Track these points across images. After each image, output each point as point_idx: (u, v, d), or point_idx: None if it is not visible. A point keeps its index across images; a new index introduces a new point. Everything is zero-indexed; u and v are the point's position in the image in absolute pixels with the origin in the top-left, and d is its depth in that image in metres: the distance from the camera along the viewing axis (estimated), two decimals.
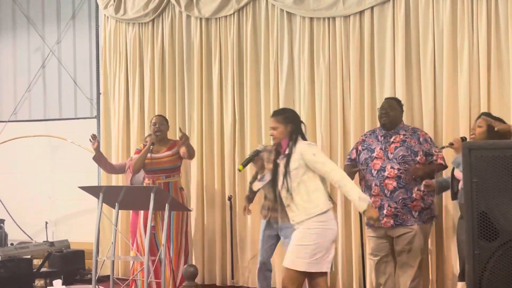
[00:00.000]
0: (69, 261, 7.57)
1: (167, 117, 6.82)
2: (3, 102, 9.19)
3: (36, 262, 7.46)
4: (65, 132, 8.61)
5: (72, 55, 8.74)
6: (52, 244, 7.32)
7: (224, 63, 7.28)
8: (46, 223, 7.86)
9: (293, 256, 4.56)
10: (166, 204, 5.34)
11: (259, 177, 5.42)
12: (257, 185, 5.48)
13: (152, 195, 5.24)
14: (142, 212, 6.14)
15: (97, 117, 8.25)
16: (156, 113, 7.46)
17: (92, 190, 5.42)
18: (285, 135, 4.71)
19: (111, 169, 7.08)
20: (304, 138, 4.76)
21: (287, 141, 4.69)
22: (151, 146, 6.22)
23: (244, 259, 7.09)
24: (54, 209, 8.69)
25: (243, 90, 7.20)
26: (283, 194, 4.62)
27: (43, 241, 7.38)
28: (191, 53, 7.45)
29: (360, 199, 4.47)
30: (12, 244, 7.71)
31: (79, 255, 7.71)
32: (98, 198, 5.43)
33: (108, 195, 5.45)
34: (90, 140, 6.80)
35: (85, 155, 8.34)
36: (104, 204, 5.50)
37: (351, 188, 4.52)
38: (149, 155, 6.23)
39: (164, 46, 7.59)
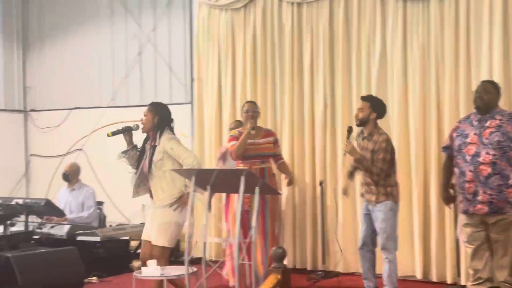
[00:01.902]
0: None
1: (258, 103, 6.89)
2: (103, 88, 9.56)
3: (133, 243, 7.77)
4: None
5: (167, 42, 8.99)
6: None
7: (316, 48, 7.31)
8: (143, 205, 8.10)
9: None
10: (256, 188, 5.43)
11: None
12: None
13: (242, 179, 5.34)
14: (235, 195, 6.26)
15: (191, 102, 8.45)
16: (248, 99, 7.58)
17: (184, 173, 5.57)
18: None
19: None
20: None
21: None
22: (252, 131, 6.31)
23: (335, 243, 7.12)
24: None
25: (334, 76, 7.22)
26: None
27: (140, 223, 7.66)
28: (282, 38, 7.52)
29: None
30: (110, 225, 8.05)
31: None
32: (190, 180, 5.58)
33: (200, 178, 5.60)
34: None
35: (180, 139, 8.58)
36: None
37: None
38: (249, 140, 6.32)
39: (256, 32, 7.69)
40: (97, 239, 7.02)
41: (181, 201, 5.40)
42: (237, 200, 6.14)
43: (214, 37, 8.00)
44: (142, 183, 5.46)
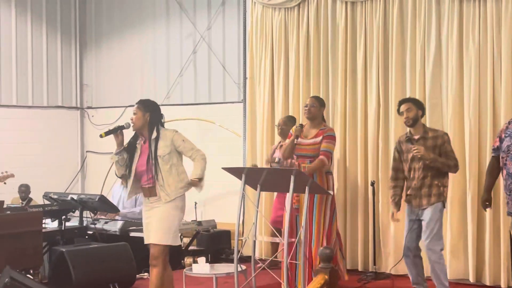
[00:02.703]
0: (216, 241, 7.91)
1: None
2: (158, 87, 9.72)
3: (185, 240, 7.88)
4: (213, 115, 8.98)
5: (222, 41, 9.09)
6: (200, 223, 7.69)
7: (369, 47, 7.28)
8: (195, 203, 8.20)
9: None
10: (306, 187, 5.47)
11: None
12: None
13: (292, 178, 5.39)
14: (286, 194, 6.26)
15: (244, 101, 8.53)
16: (301, 98, 7.63)
17: (235, 171, 5.66)
18: None
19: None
20: None
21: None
22: (296, 133, 6.27)
23: (387, 245, 7.10)
24: (204, 190, 9.01)
25: (388, 75, 7.18)
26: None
27: (192, 220, 7.77)
28: (335, 37, 7.51)
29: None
30: None
31: (225, 235, 8.04)
32: (240, 179, 5.66)
33: (250, 177, 5.67)
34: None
35: (231, 138, 8.68)
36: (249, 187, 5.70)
37: None
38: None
39: (309, 31, 7.71)
40: None
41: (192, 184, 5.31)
42: (286, 198, 6.18)
43: (267, 36, 8.04)
44: (134, 184, 5.36)
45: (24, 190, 8.75)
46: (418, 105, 5.84)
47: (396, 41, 7.10)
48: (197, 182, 5.28)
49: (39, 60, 10.13)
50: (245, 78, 8.50)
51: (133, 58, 10.01)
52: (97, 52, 10.48)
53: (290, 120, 7.23)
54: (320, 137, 6.28)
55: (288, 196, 5.69)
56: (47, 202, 7.20)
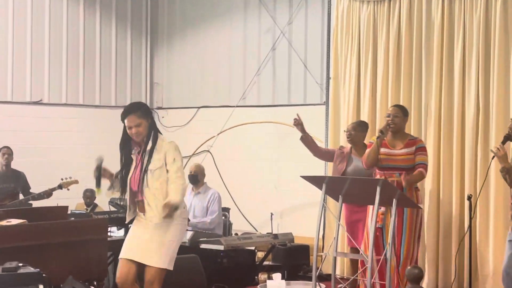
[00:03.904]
0: (293, 256, 7.93)
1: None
2: (233, 87, 9.85)
3: (260, 254, 7.94)
4: (292, 119, 8.98)
5: (303, 37, 9.13)
6: (276, 236, 7.72)
7: (468, 45, 7.19)
8: (271, 214, 8.24)
9: None
10: (394, 200, 5.44)
11: None
12: None
13: (378, 189, 5.37)
14: (371, 207, 6.25)
15: (326, 103, 8.54)
16: (389, 101, 7.58)
17: (314, 180, 5.68)
18: None
19: (318, 152, 7.33)
20: None
21: None
22: (379, 140, 6.26)
23: (484, 266, 6.98)
24: (280, 200, 9.13)
25: (489, 76, 7.08)
26: None
27: (267, 233, 7.82)
28: (430, 34, 7.45)
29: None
30: (236, 234, 8.25)
31: (303, 250, 8.05)
32: (321, 189, 5.67)
33: (331, 187, 5.68)
34: (294, 122, 7.11)
35: None
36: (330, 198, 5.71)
37: None
38: (384, 149, 6.30)
39: (400, 27, 7.66)
40: (221, 247, 7.18)
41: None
42: (371, 212, 6.17)
43: (354, 32, 8.03)
44: (131, 199, 5.25)
45: (89, 196, 9.01)
46: None
47: (498, 39, 6.99)
48: (170, 207, 5.00)
49: (107, 57, 10.43)
50: (328, 78, 8.51)
51: (207, 56, 10.17)
52: (169, 48, 10.70)
53: (360, 126, 7.16)
54: (413, 148, 6.30)
55: (373, 208, 5.67)
56: (113, 208, 7.39)
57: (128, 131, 5.19)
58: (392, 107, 6.55)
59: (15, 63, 9.53)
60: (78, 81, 10.16)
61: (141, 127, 5.14)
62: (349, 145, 7.13)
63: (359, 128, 7.09)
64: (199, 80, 10.27)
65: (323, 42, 8.80)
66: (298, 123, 7.18)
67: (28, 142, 9.46)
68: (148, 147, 5.16)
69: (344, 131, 7.35)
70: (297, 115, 7.18)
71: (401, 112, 6.43)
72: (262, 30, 9.55)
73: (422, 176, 6.30)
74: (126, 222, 5.52)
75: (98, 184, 5.27)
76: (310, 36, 9.05)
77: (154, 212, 5.13)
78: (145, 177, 5.10)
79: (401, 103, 7.22)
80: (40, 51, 9.75)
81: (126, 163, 5.24)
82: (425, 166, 6.31)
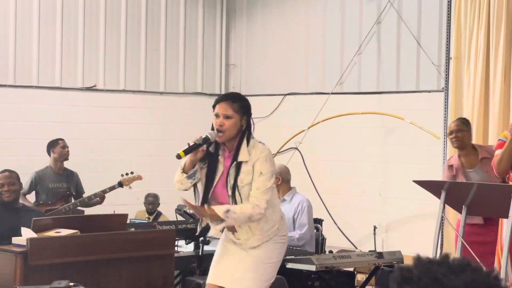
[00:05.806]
0: None
1: None
2: (328, 69, 9.79)
3: (360, 277, 7.84)
4: (402, 109, 8.88)
5: (416, 7, 8.99)
6: (380, 255, 7.61)
7: None
8: (375, 227, 8.16)
9: None
10: None
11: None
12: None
13: None
14: (503, 221, 6.10)
15: (445, 90, 8.38)
16: None
17: (431, 186, 5.56)
18: None
19: None
20: None
21: None
22: None
23: None
24: (386, 210, 9.02)
25: None
26: None
27: (370, 251, 7.72)
28: None
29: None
30: (331, 251, 8.17)
31: None
32: (439, 197, 5.54)
33: (452, 194, 5.54)
34: None
35: (427, 140, 8.53)
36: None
37: None
38: None
39: None
40: (313, 268, 7.13)
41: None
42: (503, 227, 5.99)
43: (482, 0, 7.86)
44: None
45: (152, 202, 9.08)
46: None
47: None
48: (214, 213, 4.88)
49: (174, 35, 10.50)
50: (448, 58, 8.37)
51: (296, 32, 10.14)
52: (249, 24, 10.71)
53: (464, 124, 6.96)
54: None
55: (507, 223, 5.51)
56: (180, 218, 7.40)
57: (213, 120, 5.04)
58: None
59: (64, 45, 9.67)
60: (140, 64, 10.25)
61: (229, 122, 4.98)
62: (454, 156, 6.91)
63: (464, 127, 6.90)
64: (285, 62, 10.25)
65: (441, 13, 8.65)
66: None
67: (78, 135, 9.56)
68: (239, 158, 5.00)
69: (447, 133, 7.16)
70: None
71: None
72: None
73: None
74: (196, 234, 5.47)
75: (189, 149, 4.95)
76: (425, 6, 8.91)
77: (248, 234, 5.06)
78: (236, 191, 4.99)
79: None
80: (94, 32, 9.88)
81: (211, 166, 5.08)
82: None
